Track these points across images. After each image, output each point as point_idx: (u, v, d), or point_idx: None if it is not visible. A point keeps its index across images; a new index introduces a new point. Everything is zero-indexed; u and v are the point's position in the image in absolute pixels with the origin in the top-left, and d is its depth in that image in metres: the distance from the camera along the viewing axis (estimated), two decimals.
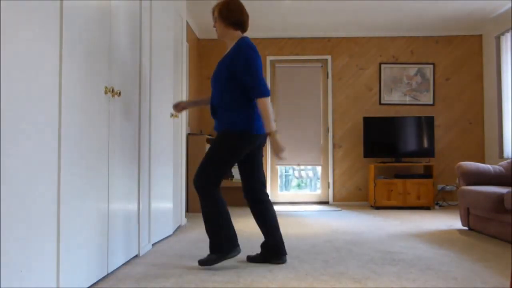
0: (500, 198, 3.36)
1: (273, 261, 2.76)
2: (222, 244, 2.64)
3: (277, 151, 2.62)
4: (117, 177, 2.55)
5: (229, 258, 2.67)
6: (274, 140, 2.61)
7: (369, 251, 3.11)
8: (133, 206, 2.84)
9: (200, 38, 6.44)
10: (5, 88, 1.53)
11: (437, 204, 6.08)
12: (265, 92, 2.59)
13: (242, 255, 2.92)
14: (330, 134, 6.38)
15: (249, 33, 6.36)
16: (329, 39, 6.45)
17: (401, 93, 6.36)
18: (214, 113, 2.79)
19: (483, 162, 6.18)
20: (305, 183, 9.00)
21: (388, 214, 5.27)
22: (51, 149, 1.83)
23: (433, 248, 3.20)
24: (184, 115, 4.45)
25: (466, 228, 4.13)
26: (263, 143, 2.82)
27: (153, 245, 3.30)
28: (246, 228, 4.12)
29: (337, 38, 6.44)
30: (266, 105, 2.59)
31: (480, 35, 6.32)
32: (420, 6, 5.38)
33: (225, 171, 2.68)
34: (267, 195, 2.84)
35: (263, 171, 2.87)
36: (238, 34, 2.76)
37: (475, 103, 6.30)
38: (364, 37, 6.40)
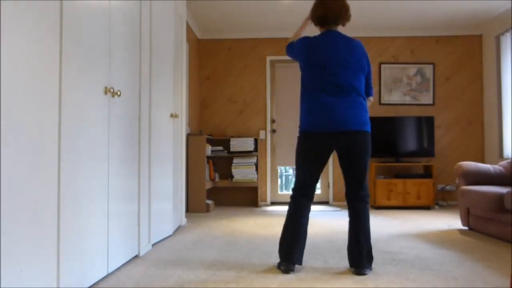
0: (500, 198, 3.36)
1: (352, 269, 2.57)
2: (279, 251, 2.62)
3: None
4: (117, 177, 2.55)
5: (279, 269, 2.59)
6: None
7: None
8: (133, 206, 2.84)
9: (200, 38, 6.44)
10: (5, 88, 1.53)
11: (437, 204, 6.08)
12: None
13: (241, 258, 2.91)
14: None
15: (249, 33, 6.37)
16: None
17: (401, 93, 6.35)
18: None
19: (483, 162, 6.18)
20: None
21: (388, 214, 5.27)
22: (51, 149, 1.83)
23: (433, 248, 3.20)
24: (184, 115, 4.44)
25: (466, 228, 4.13)
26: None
27: (153, 245, 3.30)
28: (244, 228, 4.12)
29: None
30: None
31: (480, 35, 6.32)
32: (420, 6, 5.38)
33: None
34: (362, 196, 2.60)
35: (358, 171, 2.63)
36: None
37: (475, 103, 6.30)
38: (364, 37, 6.40)
